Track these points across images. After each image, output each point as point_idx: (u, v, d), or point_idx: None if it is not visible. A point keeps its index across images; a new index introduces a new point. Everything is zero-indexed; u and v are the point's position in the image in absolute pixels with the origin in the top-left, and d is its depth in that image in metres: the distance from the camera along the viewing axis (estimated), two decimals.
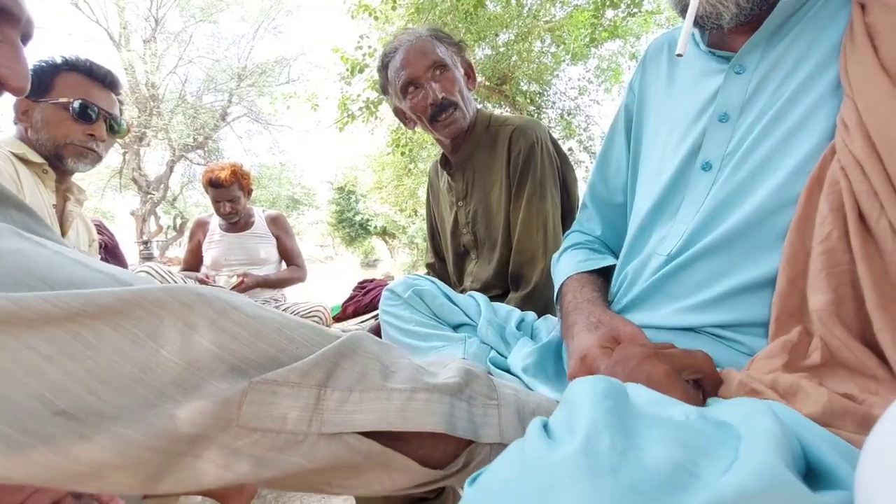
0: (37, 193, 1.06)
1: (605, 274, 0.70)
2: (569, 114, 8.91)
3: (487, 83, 7.60)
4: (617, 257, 0.69)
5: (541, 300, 1.08)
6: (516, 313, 0.82)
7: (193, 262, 2.14)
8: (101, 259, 1.42)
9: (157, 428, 0.27)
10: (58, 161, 1.09)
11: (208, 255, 2.08)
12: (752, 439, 0.21)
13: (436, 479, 0.34)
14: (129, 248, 10.55)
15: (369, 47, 6.41)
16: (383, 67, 1.16)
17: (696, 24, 0.52)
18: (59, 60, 1.10)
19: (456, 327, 0.81)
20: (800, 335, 0.40)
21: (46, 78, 1.07)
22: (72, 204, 1.18)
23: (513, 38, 7.23)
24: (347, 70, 6.55)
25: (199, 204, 15.44)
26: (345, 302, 2.24)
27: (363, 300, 2.19)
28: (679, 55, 0.49)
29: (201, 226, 2.16)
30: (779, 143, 0.47)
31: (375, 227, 17.68)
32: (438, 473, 0.34)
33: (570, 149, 8.76)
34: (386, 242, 19.41)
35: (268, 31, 13.55)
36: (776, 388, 0.37)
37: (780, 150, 0.47)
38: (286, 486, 0.32)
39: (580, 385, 0.24)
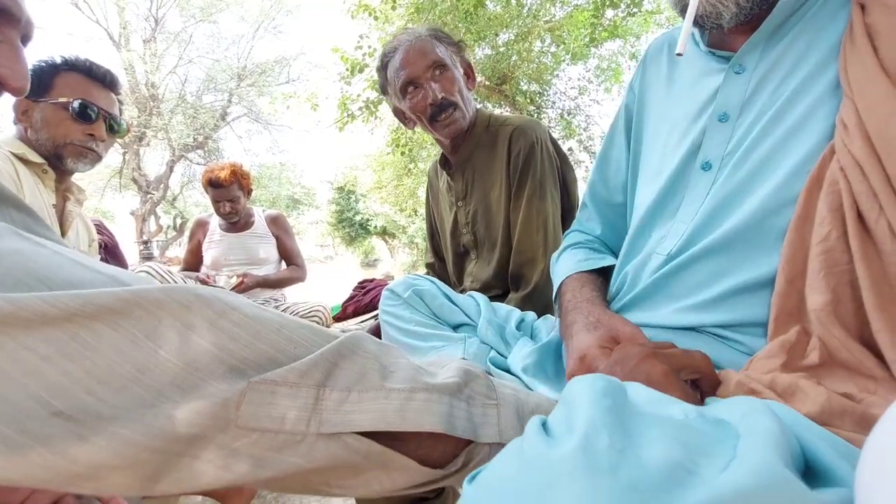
0: (36, 193, 1.06)
1: (604, 273, 0.70)
2: (569, 114, 8.91)
3: (487, 83, 7.60)
4: (616, 257, 0.69)
5: (541, 300, 1.08)
6: (516, 313, 0.82)
7: (193, 261, 2.14)
8: (101, 259, 1.43)
9: (155, 428, 0.27)
10: (57, 161, 1.09)
11: (208, 255, 2.08)
12: (751, 438, 0.21)
13: (435, 479, 0.34)
14: (129, 247, 10.56)
15: (369, 47, 6.41)
16: (382, 67, 1.16)
17: (696, 23, 0.52)
18: (58, 60, 1.10)
19: (456, 327, 0.81)
20: (798, 335, 0.40)
21: (46, 78, 1.07)
22: (72, 204, 1.18)
23: (513, 37, 7.23)
24: (347, 70, 6.55)
25: (199, 204, 15.45)
26: (345, 302, 2.24)
27: (363, 300, 2.19)
28: (679, 54, 0.49)
29: (201, 226, 2.16)
30: (778, 143, 0.47)
31: (375, 227, 17.69)
32: (438, 473, 0.34)
33: (570, 149, 8.76)
34: (386, 242, 19.41)
35: (267, 30, 13.55)
36: (774, 387, 0.37)
37: (780, 150, 0.47)
38: (285, 486, 0.32)
39: (579, 384, 0.24)
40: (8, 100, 0.54)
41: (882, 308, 0.34)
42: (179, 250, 12.08)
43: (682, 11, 0.53)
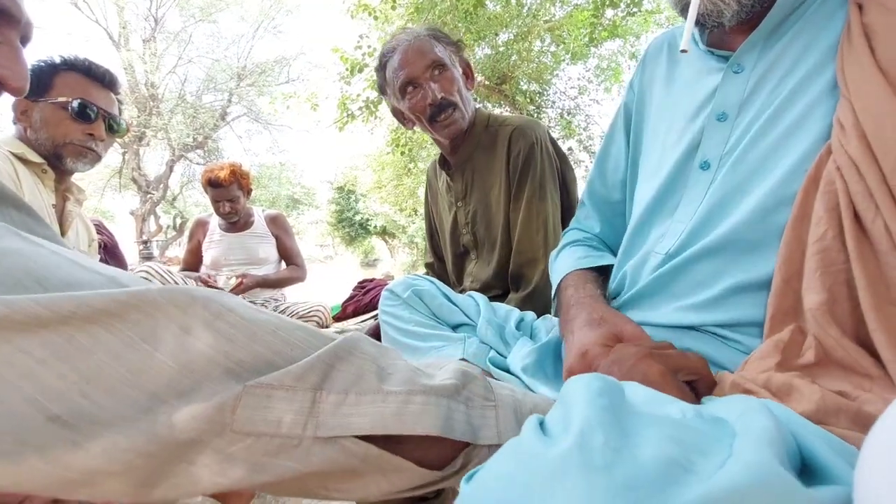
0: (36, 193, 1.06)
1: (604, 272, 0.70)
2: (569, 113, 8.92)
3: (487, 83, 7.60)
4: (615, 255, 0.69)
5: (541, 301, 1.08)
6: (515, 313, 0.82)
7: (193, 261, 2.14)
8: (101, 259, 1.43)
9: (149, 434, 0.27)
10: (57, 161, 1.10)
11: (208, 255, 2.08)
12: (747, 436, 0.21)
13: (434, 481, 0.34)
14: (129, 247, 10.56)
15: (369, 47, 6.41)
16: (381, 67, 1.16)
17: (698, 22, 0.52)
18: (57, 60, 1.10)
19: (455, 327, 0.81)
20: (792, 334, 0.40)
21: (45, 77, 1.07)
22: (71, 204, 1.18)
23: (512, 37, 7.23)
24: (347, 70, 6.55)
25: (198, 204, 15.44)
26: (345, 302, 2.24)
27: (363, 300, 2.19)
28: (683, 51, 0.49)
29: (201, 225, 2.16)
30: (776, 143, 0.47)
31: (375, 227, 17.69)
32: (437, 475, 0.34)
33: (569, 148, 8.76)
34: (386, 242, 19.42)
35: (267, 30, 13.55)
36: (769, 387, 0.37)
37: (778, 150, 0.47)
38: (282, 491, 0.32)
39: (576, 383, 0.25)
40: (7, 99, 0.55)
41: (878, 308, 0.34)
42: (179, 250, 12.08)
43: (683, 11, 0.53)
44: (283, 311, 2.00)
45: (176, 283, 1.80)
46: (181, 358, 0.28)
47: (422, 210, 1.49)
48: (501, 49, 7.34)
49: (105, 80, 1.14)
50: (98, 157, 1.15)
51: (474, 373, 0.38)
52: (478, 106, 1.25)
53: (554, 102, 8.91)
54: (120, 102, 1.20)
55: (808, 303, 0.39)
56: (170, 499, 0.29)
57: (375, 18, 6.64)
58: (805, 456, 0.25)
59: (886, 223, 0.35)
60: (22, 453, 0.25)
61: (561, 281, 0.69)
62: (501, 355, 0.71)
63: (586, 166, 8.60)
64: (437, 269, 1.45)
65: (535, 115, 8.17)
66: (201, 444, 0.28)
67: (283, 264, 2.18)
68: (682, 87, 0.61)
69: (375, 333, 1.11)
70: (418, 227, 13.48)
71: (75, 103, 1.07)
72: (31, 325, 0.26)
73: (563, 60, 8.03)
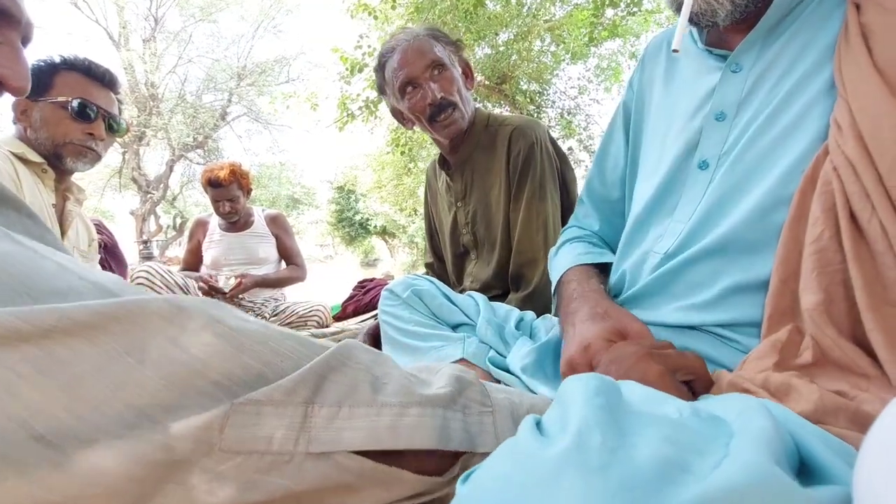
0: (36, 193, 1.06)
1: (604, 269, 0.70)
2: (569, 113, 8.91)
3: (487, 82, 7.60)
4: (614, 253, 0.69)
5: (541, 301, 1.08)
6: (515, 313, 0.82)
7: (193, 261, 2.14)
8: (101, 259, 1.43)
9: (135, 454, 0.26)
10: (57, 160, 1.10)
11: (208, 255, 2.08)
12: (744, 436, 0.21)
13: (435, 487, 0.33)
14: (129, 247, 10.56)
15: (369, 47, 6.41)
16: (380, 67, 1.16)
17: (692, 21, 0.52)
18: (57, 60, 1.10)
19: (455, 327, 0.81)
20: (790, 334, 0.40)
21: (45, 77, 1.07)
22: (71, 203, 1.18)
23: (512, 37, 7.23)
24: (347, 70, 6.55)
25: (198, 203, 15.45)
26: (345, 301, 2.24)
27: (363, 300, 2.19)
28: (675, 51, 0.49)
29: (201, 225, 2.16)
30: (774, 143, 0.47)
31: (375, 227, 17.69)
32: (437, 480, 0.33)
33: (569, 148, 8.76)
34: (386, 242, 19.42)
35: (267, 30, 13.55)
36: (768, 387, 0.37)
37: (776, 150, 0.47)
38: None
39: (573, 383, 0.25)
40: (7, 99, 0.55)
41: (874, 308, 0.34)
42: (179, 250, 12.08)
43: (679, 9, 0.53)
44: (283, 311, 2.01)
45: (176, 282, 1.80)
46: (166, 371, 0.27)
47: (422, 210, 1.48)
48: (501, 49, 7.34)
49: (105, 80, 1.15)
50: (98, 157, 1.15)
51: (469, 378, 0.37)
52: (477, 106, 1.25)
53: (554, 102, 8.91)
54: (120, 102, 1.20)
55: (805, 303, 0.39)
56: None
57: (375, 18, 6.64)
58: (803, 456, 0.25)
59: (882, 223, 0.35)
60: (2, 473, 0.24)
61: (562, 276, 0.68)
62: (501, 355, 0.71)
63: (586, 166, 8.60)
64: (436, 269, 1.45)
65: (535, 114, 8.17)
66: (189, 464, 0.27)
67: (283, 264, 2.18)
68: (680, 85, 0.61)
69: (375, 333, 1.12)
70: (418, 226, 13.48)
71: (75, 103, 1.08)
72: (10, 339, 0.25)
73: (563, 60, 8.03)
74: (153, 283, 1.72)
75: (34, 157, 1.07)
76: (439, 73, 1.10)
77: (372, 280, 2.38)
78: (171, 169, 12.47)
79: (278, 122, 13.60)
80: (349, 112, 7.02)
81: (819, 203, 0.39)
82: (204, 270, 2.09)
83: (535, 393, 0.59)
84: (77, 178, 1.22)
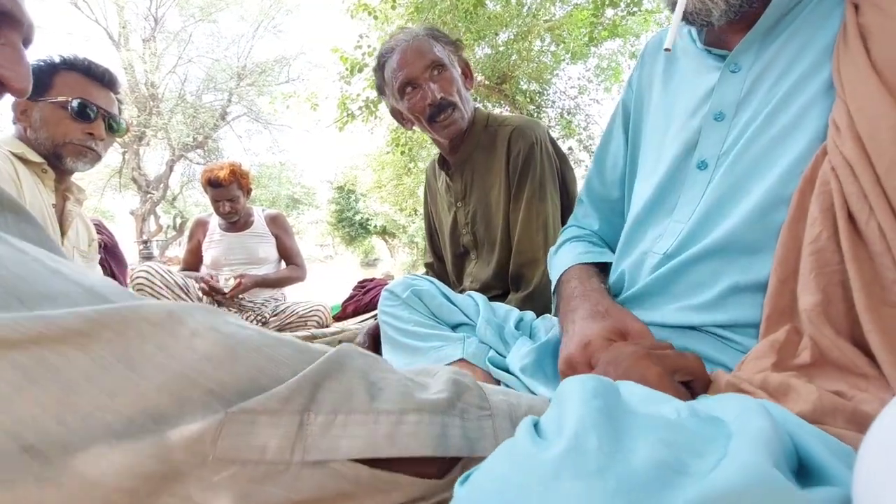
0: (36, 193, 1.06)
1: (604, 269, 0.70)
2: (569, 113, 8.92)
3: (487, 82, 7.60)
4: (614, 253, 0.69)
5: (541, 301, 1.08)
6: (515, 313, 0.82)
7: (193, 261, 2.14)
8: (101, 259, 1.43)
9: (127, 467, 0.25)
10: (57, 160, 1.10)
11: (208, 255, 2.08)
12: (741, 437, 0.21)
13: (434, 491, 0.33)
14: (129, 247, 10.57)
15: (369, 46, 6.41)
16: (379, 68, 1.16)
17: (687, 21, 0.53)
18: (57, 60, 1.10)
19: (455, 327, 0.81)
20: (788, 334, 0.40)
21: (45, 77, 1.07)
22: (71, 203, 1.18)
23: (512, 37, 7.23)
24: (347, 70, 6.55)
25: (198, 203, 15.45)
26: (345, 301, 2.24)
27: (363, 299, 2.19)
28: (667, 50, 0.49)
29: (201, 225, 2.16)
30: (772, 143, 0.47)
31: (375, 227, 17.70)
32: (437, 483, 0.33)
33: (569, 148, 8.76)
34: (386, 242, 19.43)
35: (267, 30, 13.55)
36: (766, 387, 0.37)
37: (774, 150, 0.47)
38: None
39: (571, 384, 0.25)
40: (7, 99, 0.55)
41: (872, 309, 0.34)
42: (179, 250, 12.09)
43: (673, 8, 0.53)
44: (283, 311, 2.01)
45: (176, 282, 1.80)
46: (159, 379, 0.27)
47: (422, 210, 1.48)
48: (501, 49, 7.34)
49: (105, 80, 1.15)
50: (98, 157, 1.15)
51: (467, 382, 0.37)
52: (477, 106, 1.25)
53: (554, 102, 8.91)
54: (120, 102, 1.20)
55: (803, 303, 0.39)
56: None
57: (375, 18, 6.64)
58: (802, 456, 0.25)
59: (880, 224, 0.35)
60: None
61: (562, 274, 0.68)
62: (501, 355, 0.71)
63: (586, 166, 8.59)
64: (436, 269, 1.45)
65: (535, 114, 8.17)
66: (183, 475, 0.26)
67: (283, 264, 2.19)
68: (679, 85, 0.61)
69: (375, 333, 1.12)
70: (418, 226, 13.49)
71: (75, 103, 1.08)
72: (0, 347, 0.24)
73: (563, 60, 8.03)
74: (153, 283, 1.73)
75: (34, 157, 1.07)
76: (439, 73, 1.10)
77: (372, 280, 2.38)
78: (171, 169, 12.48)
79: (278, 122, 13.61)
80: (349, 112, 7.02)
81: (817, 204, 0.39)
82: (204, 270, 2.09)
83: (534, 393, 0.59)
84: (77, 178, 1.22)
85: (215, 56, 13.10)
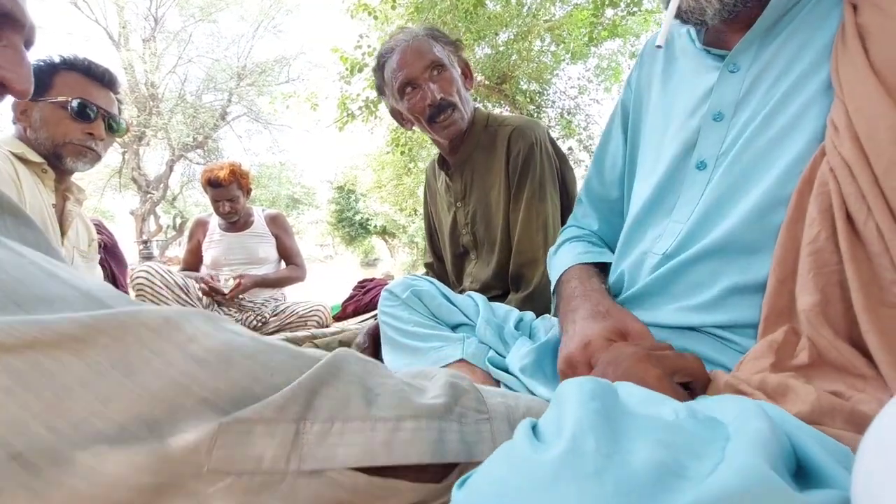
0: (36, 193, 1.06)
1: (604, 269, 0.70)
2: (569, 113, 8.92)
3: (487, 82, 7.61)
4: (614, 253, 0.69)
5: (541, 301, 1.08)
6: (515, 313, 0.82)
7: (193, 261, 2.14)
8: (101, 259, 1.43)
9: (119, 477, 0.24)
10: (57, 160, 1.10)
11: (208, 255, 2.08)
12: (739, 439, 0.21)
13: (433, 495, 0.33)
14: (129, 247, 10.57)
15: (369, 46, 6.41)
16: (379, 68, 1.16)
17: (681, 19, 0.53)
18: (57, 60, 1.10)
19: (454, 327, 0.81)
20: (786, 335, 0.40)
21: (45, 77, 1.07)
22: (71, 203, 1.19)
23: (512, 37, 7.23)
24: (347, 69, 6.55)
25: (198, 203, 15.45)
26: (345, 301, 2.24)
27: (363, 299, 2.19)
28: (658, 46, 0.50)
29: (201, 225, 2.16)
30: (771, 143, 0.47)
31: (375, 227, 17.70)
32: (435, 487, 0.33)
33: (569, 148, 8.76)
34: (386, 242, 19.44)
35: (267, 30, 13.55)
36: (765, 387, 0.37)
37: (773, 150, 0.47)
38: None
39: (569, 386, 0.25)
40: (8, 100, 0.55)
41: (870, 309, 0.34)
42: (179, 250, 12.09)
43: (668, 4, 0.53)
44: (283, 311, 2.01)
45: (176, 282, 1.80)
46: (153, 386, 0.26)
47: (422, 210, 1.48)
48: (501, 49, 7.34)
49: (104, 80, 1.15)
50: (98, 157, 1.15)
51: (465, 385, 0.36)
52: (477, 106, 1.25)
53: (554, 102, 8.91)
54: (119, 102, 1.20)
55: (802, 304, 0.39)
56: None
57: (375, 18, 6.64)
58: (800, 458, 0.25)
59: (878, 225, 0.35)
60: None
61: (562, 274, 0.68)
62: (500, 355, 0.71)
63: (586, 166, 8.58)
64: (436, 269, 1.45)
65: (535, 114, 8.18)
66: (177, 487, 0.26)
67: (283, 264, 2.19)
68: (678, 85, 0.61)
69: (375, 333, 1.12)
70: (418, 226, 13.49)
71: (75, 103, 1.08)
72: None
73: (563, 60, 8.03)
74: (153, 283, 1.73)
75: (34, 157, 1.07)
76: (438, 73, 1.10)
77: (372, 280, 2.38)
78: (171, 169, 12.48)
79: (278, 122, 13.61)
80: (349, 112, 7.03)
81: (816, 204, 0.39)
82: (204, 270, 2.09)
83: (533, 393, 0.59)
84: (77, 178, 1.22)
85: (215, 56, 13.11)
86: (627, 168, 0.69)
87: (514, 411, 0.37)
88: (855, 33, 0.41)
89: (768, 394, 0.36)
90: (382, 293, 0.85)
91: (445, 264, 1.38)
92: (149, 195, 11.89)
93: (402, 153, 7.76)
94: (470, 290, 1.17)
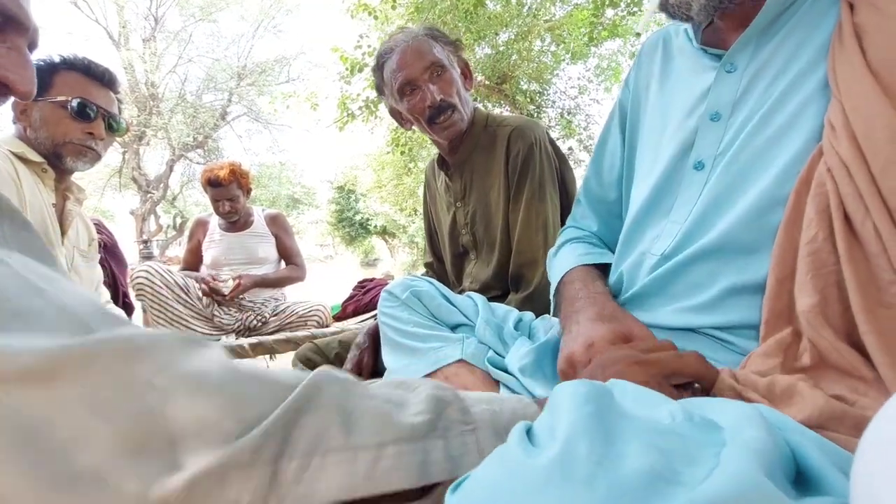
0: (36, 193, 1.06)
1: (604, 270, 0.70)
2: (569, 113, 8.91)
3: (487, 82, 7.60)
4: (613, 253, 0.69)
5: (541, 301, 1.08)
6: (514, 313, 0.82)
7: (193, 261, 2.14)
8: (101, 258, 1.43)
9: None
10: (57, 160, 1.10)
11: (208, 255, 2.08)
12: (734, 445, 0.21)
13: None
14: (129, 247, 10.57)
15: (369, 46, 6.41)
16: (378, 68, 1.16)
17: (668, 13, 0.53)
18: (57, 59, 1.10)
19: (454, 328, 0.81)
20: (790, 336, 0.40)
21: (45, 77, 1.07)
22: (71, 203, 1.19)
23: (513, 37, 7.23)
24: (347, 69, 6.55)
25: (198, 203, 15.45)
26: (345, 301, 2.25)
27: (363, 299, 2.19)
28: (637, 34, 0.50)
29: (201, 225, 2.16)
30: (768, 143, 0.47)
31: (375, 227, 17.70)
32: (420, 502, 0.32)
33: (569, 148, 8.76)
34: (386, 242, 19.44)
35: (267, 30, 13.55)
36: (773, 389, 0.36)
37: (770, 150, 0.47)
38: None
39: (564, 389, 0.25)
40: (9, 100, 0.56)
41: (869, 310, 0.34)
42: (179, 250, 12.09)
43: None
44: (283, 311, 2.01)
45: (176, 282, 1.80)
46: (122, 425, 0.25)
47: (422, 210, 1.48)
48: (501, 49, 7.34)
49: (104, 79, 1.15)
50: (98, 156, 1.15)
51: (447, 396, 0.35)
52: (476, 106, 1.25)
53: (554, 102, 8.91)
54: (119, 101, 1.20)
55: (801, 305, 0.39)
56: None
57: (375, 18, 6.64)
58: (800, 464, 0.25)
59: (876, 225, 0.35)
60: None
61: (564, 276, 0.68)
62: (500, 355, 0.71)
63: (586, 166, 8.56)
64: (436, 269, 1.45)
65: (536, 114, 8.17)
66: None
67: (283, 264, 2.19)
68: (676, 85, 0.61)
69: (375, 333, 1.12)
70: (418, 226, 13.48)
71: (75, 102, 1.08)
72: None
73: (563, 60, 8.03)
74: (153, 282, 1.73)
75: (34, 156, 1.07)
76: (438, 74, 1.10)
77: (372, 280, 2.38)
78: (171, 169, 12.47)
79: (278, 122, 13.60)
80: (349, 112, 7.03)
81: (813, 204, 0.39)
82: (204, 270, 2.09)
83: (532, 394, 0.59)
84: (77, 177, 1.22)
85: (215, 56, 13.10)
86: (626, 169, 0.69)
87: (499, 417, 0.36)
88: (852, 32, 0.41)
89: (776, 396, 0.36)
90: (382, 294, 0.85)
91: (445, 264, 1.38)
92: (149, 195, 11.88)
93: (402, 153, 7.75)
94: (469, 290, 1.17)
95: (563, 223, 1.18)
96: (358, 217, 18.71)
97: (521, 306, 1.05)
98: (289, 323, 1.97)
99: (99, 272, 1.34)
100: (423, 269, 1.50)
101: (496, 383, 0.67)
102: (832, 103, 0.41)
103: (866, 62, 0.39)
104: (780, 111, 0.47)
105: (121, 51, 11.74)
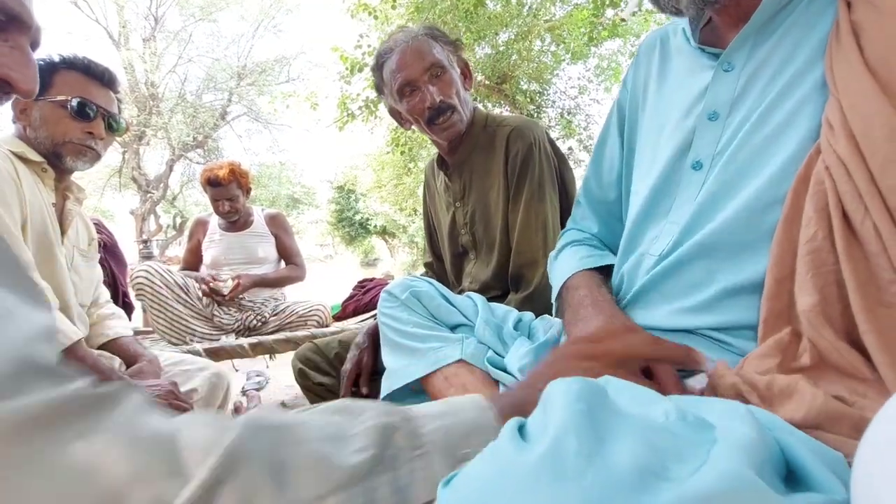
0: (36, 192, 1.06)
1: (607, 273, 0.70)
2: (569, 113, 8.92)
3: (487, 82, 7.61)
4: (615, 255, 0.69)
5: (541, 302, 1.08)
6: (514, 313, 0.82)
7: (193, 261, 2.14)
8: (101, 258, 1.43)
9: None
10: (56, 159, 1.10)
11: (208, 255, 2.08)
12: (724, 443, 0.21)
13: None
14: (129, 247, 10.56)
15: (369, 46, 6.42)
16: (378, 67, 1.16)
17: (658, 6, 0.53)
18: (56, 59, 1.10)
19: (454, 328, 0.81)
20: (789, 336, 0.40)
21: (44, 76, 1.07)
22: (71, 203, 1.18)
23: (513, 37, 7.23)
24: (347, 69, 6.56)
25: (198, 203, 15.45)
26: (345, 301, 2.25)
27: (363, 299, 2.20)
28: (623, 20, 0.50)
29: (201, 225, 2.16)
30: (766, 142, 0.47)
31: (375, 227, 17.71)
32: None
33: (569, 148, 8.76)
34: (386, 241, 19.44)
35: (267, 29, 13.54)
36: (772, 389, 0.36)
37: (768, 149, 0.47)
38: None
39: (556, 386, 0.25)
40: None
41: (868, 309, 0.34)
42: (179, 250, 12.09)
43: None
44: (282, 311, 2.01)
45: (176, 282, 1.81)
46: (56, 493, 0.23)
47: (421, 210, 1.48)
48: (501, 49, 7.34)
49: (104, 79, 1.14)
50: (97, 156, 1.15)
51: (395, 421, 0.34)
52: (476, 105, 1.25)
53: (554, 102, 8.91)
54: (119, 101, 1.20)
55: (802, 305, 0.39)
56: None
57: (375, 18, 6.64)
58: (791, 463, 0.25)
59: (875, 224, 0.35)
60: None
61: (568, 280, 0.68)
62: (499, 355, 0.71)
63: (586, 166, 8.57)
64: (436, 269, 1.45)
65: (536, 114, 8.18)
66: None
67: (283, 263, 2.19)
68: (674, 84, 0.61)
69: (375, 333, 1.12)
70: (418, 226, 13.48)
71: (74, 102, 1.07)
72: None
73: (563, 60, 8.03)
74: (153, 282, 1.73)
75: (34, 156, 1.07)
76: (438, 75, 1.09)
77: (372, 280, 2.39)
78: (171, 168, 12.47)
79: (278, 122, 13.59)
80: (349, 112, 7.03)
81: (812, 203, 0.39)
82: (204, 270, 2.09)
83: None
84: (77, 177, 1.22)
85: (215, 56, 13.09)
86: (625, 169, 0.69)
87: (453, 432, 0.34)
88: (849, 30, 0.41)
89: (774, 395, 0.36)
90: (382, 295, 0.85)
91: (445, 264, 1.38)
92: (149, 195, 11.88)
93: (402, 153, 7.76)
94: (469, 290, 1.17)
95: (562, 224, 1.18)
96: (358, 217, 18.72)
97: (521, 306, 1.05)
98: (289, 323, 1.98)
99: (99, 272, 1.34)
100: (422, 269, 1.50)
101: (496, 383, 0.67)
102: (830, 101, 0.41)
103: (864, 60, 0.39)
104: (777, 110, 0.47)
105: (121, 50, 11.74)
